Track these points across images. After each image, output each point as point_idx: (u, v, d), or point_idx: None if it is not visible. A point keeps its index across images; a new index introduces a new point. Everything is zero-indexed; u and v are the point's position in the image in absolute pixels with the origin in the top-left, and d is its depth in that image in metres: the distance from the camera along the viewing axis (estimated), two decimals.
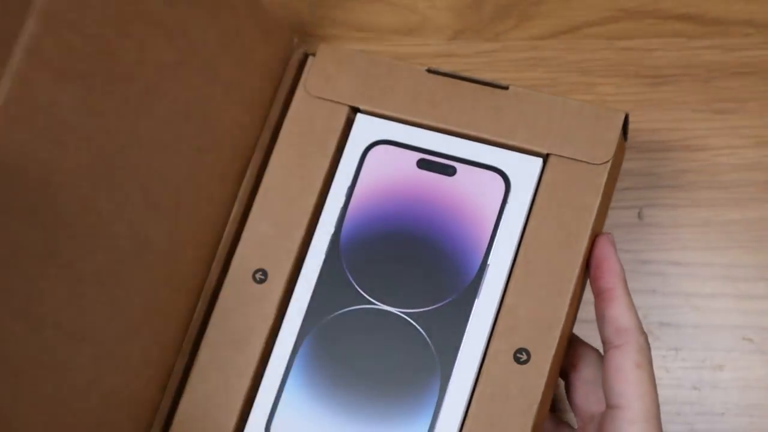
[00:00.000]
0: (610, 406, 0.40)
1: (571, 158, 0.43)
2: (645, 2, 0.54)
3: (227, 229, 0.46)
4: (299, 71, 0.49)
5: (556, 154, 0.44)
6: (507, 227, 0.43)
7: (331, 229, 0.44)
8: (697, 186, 0.52)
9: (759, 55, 0.53)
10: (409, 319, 0.43)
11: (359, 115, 0.46)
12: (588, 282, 0.43)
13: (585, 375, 0.43)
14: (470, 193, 0.44)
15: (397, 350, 0.43)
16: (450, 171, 0.44)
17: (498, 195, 0.44)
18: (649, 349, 0.41)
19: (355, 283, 0.44)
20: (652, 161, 0.52)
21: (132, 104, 0.39)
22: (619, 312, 0.41)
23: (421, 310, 0.43)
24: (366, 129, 0.46)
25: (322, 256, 0.44)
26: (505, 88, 0.45)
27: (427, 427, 0.42)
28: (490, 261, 0.43)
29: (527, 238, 0.43)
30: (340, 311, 0.43)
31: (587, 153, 0.43)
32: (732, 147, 0.52)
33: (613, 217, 0.51)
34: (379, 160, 0.45)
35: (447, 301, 0.43)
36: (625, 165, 0.52)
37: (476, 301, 0.42)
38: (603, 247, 0.42)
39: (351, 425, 0.42)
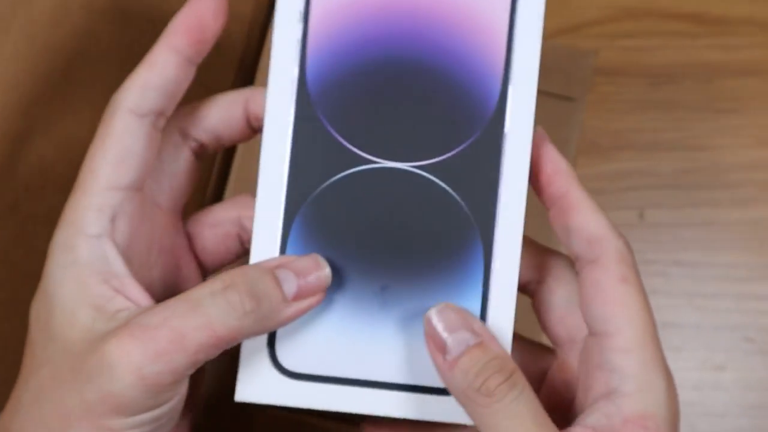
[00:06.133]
0: (593, 334, 0.32)
1: (552, 94, 0.47)
2: (646, 1, 0.54)
3: None
4: None
5: (537, 90, 0.46)
6: (524, 33, 0.34)
7: (294, 72, 0.33)
8: (698, 186, 0.52)
9: (760, 55, 0.53)
10: (424, 174, 0.34)
11: None
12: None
13: (558, 292, 0.34)
14: None
15: (417, 217, 0.33)
16: None
17: None
18: (632, 255, 0.33)
19: (342, 139, 0.33)
20: (653, 161, 0.52)
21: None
22: (584, 218, 0.32)
23: (438, 159, 0.34)
24: None
25: (291, 110, 0.33)
26: None
27: (478, 308, 0.33)
28: (512, 79, 0.34)
29: None
30: (331, 179, 0.33)
31: (565, 89, 0.47)
32: (733, 147, 0.52)
33: (614, 217, 0.51)
34: None
35: (468, 142, 0.34)
36: (626, 165, 0.52)
37: (505, 134, 0.34)
38: (541, 147, 0.34)
39: (378, 322, 0.33)
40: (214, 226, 0.36)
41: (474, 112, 0.34)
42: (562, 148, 0.46)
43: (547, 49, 0.47)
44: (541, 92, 0.47)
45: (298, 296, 0.31)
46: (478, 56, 0.34)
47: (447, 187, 0.34)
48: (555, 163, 0.33)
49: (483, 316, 0.33)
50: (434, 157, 0.34)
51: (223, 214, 0.36)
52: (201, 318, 0.29)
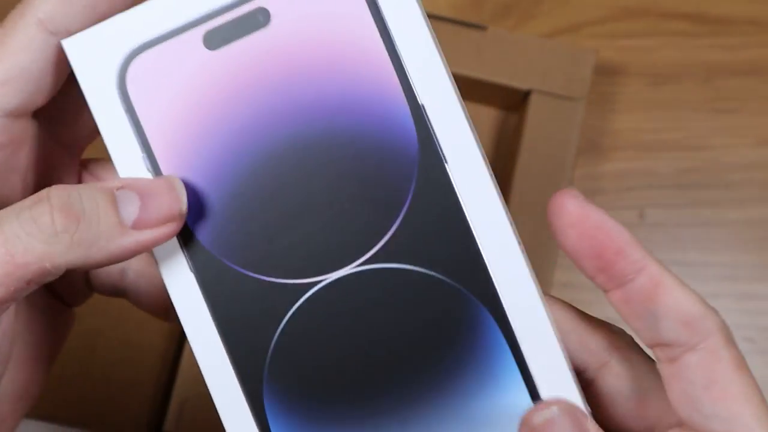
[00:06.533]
0: None
1: (552, 94, 0.47)
2: (646, 1, 0.54)
3: None
4: None
5: (537, 90, 0.47)
6: (409, 45, 0.25)
7: None
8: (698, 186, 0.52)
9: (760, 55, 0.53)
10: (377, 266, 0.25)
11: (72, 40, 0.26)
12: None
13: (628, 377, 0.27)
14: (316, 31, 0.25)
15: (399, 321, 0.25)
16: (259, 18, 0.25)
17: (360, 12, 0.25)
18: (729, 328, 0.26)
19: (262, 276, 0.26)
20: (653, 161, 0.52)
21: None
22: (676, 297, 0.25)
23: (382, 242, 0.25)
24: (93, 49, 0.26)
25: (186, 270, 0.26)
26: (484, 28, 0.46)
27: (528, 401, 0.25)
28: (422, 100, 0.25)
29: (518, 171, 0.45)
30: (278, 330, 0.26)
31: (565, 88, 0.47)
32: (733, 146, 0.52)
33: (614, 217, 0.51)
34: (150, 79, 0.26)
35: (407, 201, 0.25)
36: (626, 165, 0.52)
37: (446, 166, 0.25)
38: (589, 212, 0.26)
39: None
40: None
41: (396, 163, 0.25)
42: (562, 148, 0.47)
43: (547, 49, 0.48)
44: (541, 92, 0.47)
45: (142, 224, 0.24)
46: (365, 96, 0.26)
47: (411, 267, 0.26)
48: (617, 233, 0.26)
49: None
50: (377, 243, 0.25)
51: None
52: None
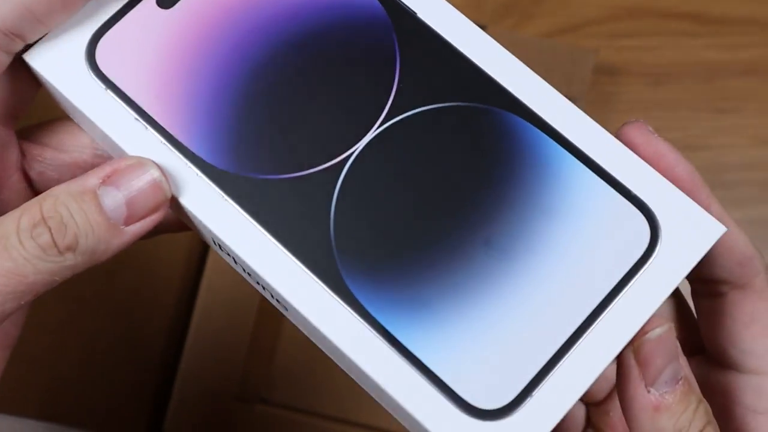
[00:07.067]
0: (741, 370, 0.27)
1: None
2: (646, 1, 0.54)
3: None
4: None
5: None
6: None
7: (183, 159, 0.26)
8: None
9: (760, 55, 0.53)
10: (399, 118, 0.27)
11: (33, 52, 0.27)
12: None
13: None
14: None
15: (439, 158, 0.27)
16: None
17: None
18: None
19: (296, 173, 0.26)
20: None
21: None
22: (736, 237, 0.26)
23: (393, 94, 0.27)
24: (56, 52, 0.27)
25: (221, 201, 0.26)
26: (484, 28, 0.47)
27: (584, 171, 0.27)
28: None
29: None
30: (333, 207, 0.26)
31: (565, 88, 0.46)
32: (733, 146, 0.52)
33: None
34: (119, 51, 0.27)
35: (397, 55, 0.28)
36: None
37: (417, 15, 0.28)
38: (659, 147, 0.27)
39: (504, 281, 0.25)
40: (59, 151, 0.28)
41: (374, 32, 0.28)
42: None
43: (547, 49, 0.48)
44: None
45: (132, 217, 0.25)
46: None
47: (427, 107, 0.27)
48: (689, 173, 0.26)
49: (648, 215, 0.26)
50: (387, 101, 0.27)
51: (70, 139, 0.28)
52: (8, 263, 0.23)
